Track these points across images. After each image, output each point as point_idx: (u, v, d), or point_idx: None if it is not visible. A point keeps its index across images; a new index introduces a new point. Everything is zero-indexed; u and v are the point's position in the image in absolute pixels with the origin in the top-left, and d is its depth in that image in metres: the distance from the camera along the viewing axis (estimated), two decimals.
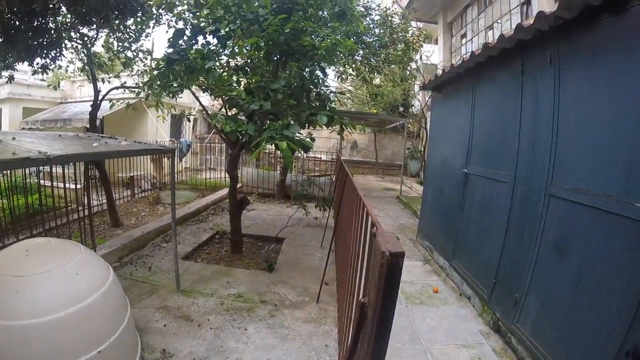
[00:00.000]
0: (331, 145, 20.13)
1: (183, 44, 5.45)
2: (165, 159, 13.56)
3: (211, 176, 14.54)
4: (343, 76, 12.42)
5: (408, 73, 17.21)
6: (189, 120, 8.18)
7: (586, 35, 3.48)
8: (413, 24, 15.14)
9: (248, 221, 9.06)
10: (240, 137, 5.61)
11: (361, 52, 11.26)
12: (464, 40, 14.37)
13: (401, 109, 19.10)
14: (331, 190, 9.68)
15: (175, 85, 6.07)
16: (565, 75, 3.77)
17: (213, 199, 11.30)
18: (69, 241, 4.15)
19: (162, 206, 10.77)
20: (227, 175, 8.93)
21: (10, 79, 8.40)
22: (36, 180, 9.20)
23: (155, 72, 6.21)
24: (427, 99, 16.33)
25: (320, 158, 15.90)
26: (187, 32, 5.54)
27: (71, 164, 8.41)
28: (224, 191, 11.75)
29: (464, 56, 6.00)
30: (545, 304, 3.78)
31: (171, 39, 5.44)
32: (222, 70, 5.98)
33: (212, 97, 6.73)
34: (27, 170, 8.25)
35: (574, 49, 3.67)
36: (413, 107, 19.96)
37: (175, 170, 5.76)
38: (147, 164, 12.83)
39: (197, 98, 7.62)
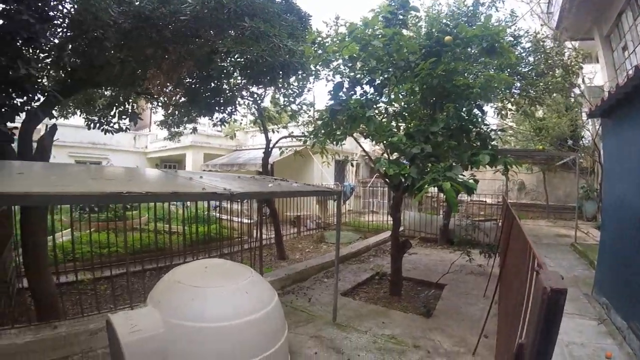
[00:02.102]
0: (496, 188, 18.75)
1: (343, 95, 5.88)
2: (330, 200, 14.29)
3: (373, 219, 14.81)
4: (502, 112, 11.58)
5: (572, 100, 15.32)
6: (352, 165, 8.68)
7: None
8: (568, 44, 13.62)
9: (409, 265, 8.95)
10: (403, 181, 5.72)
11: (518, 84, 10.47)
12: (626, 53, 12.24)
13: (570, 142, 16.80)
14: (497, 236, 9.02)
15: (338, 133, 6.48)
16: None
17: (375, 240, 11.50)
18: (242, 264, 4.78)
19: (325, 245, 11.32)
20: (389, 218, 9.06)
21: (194, 130, 10.07)
22: (214, 214, 10.60)
23: (320, 122, 6.74)
24: (597, 127, 14.31)
25: (485, 201, 14.98)
26: (346, 84, 5.95)
27: (246, 201, 9.51)
28: (386, 234, 11.87)
29: (629, 72, 5.11)
30: None
31: (332, 92, 5.92)
32: (381, 117, 6.22)
33: (374, 142, 7.00)
34: (206, 203, 9.73)
35: None
36: (583, 139, 17.51)
37: (341, 212, 6.12)
38: (313, 205, 13.72)
39: (359, 144, 8.02)
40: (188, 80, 7.48)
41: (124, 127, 8.28)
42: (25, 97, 4.79)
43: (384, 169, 5.10)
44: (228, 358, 3.60)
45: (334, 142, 7.08)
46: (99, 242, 8.18)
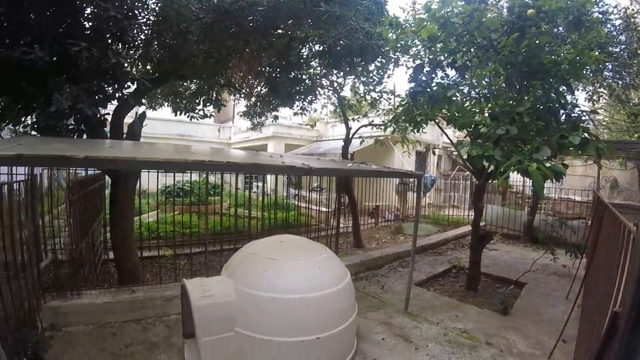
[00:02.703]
0: (587, 184, 17.19)
1: (423, 77, 5.72)
2: (410, 192, 14.06)
3: (454, 214, 14.37)
4: (594, 98, 10.48)
5: None
6: (434, 153, 8.45)
7: None
8: None
9: (488, 260, 8.58)
10: (486, 167, 5.48)
11: (609, 65, 9.48)
12: None
13: None
14: (585, 236, 8.33)
15: (419, 118, 6.34)
16: None
17: (454, 234, 11.17)
18: (317, 243, 4.88)
19: (403, 236, 11.18)
20: (469, 214, 8.73)
21: (275, 118, 10.32)
22: (293, 201, 10.85)
23: (400, 109, 6.63)
24: None
25: (574, 199, 13.82)
26: (426, 67, 5.79)
27: (325, 190, 9.64)
28: (466, 228, 11.52)
29: None
30: None
31: (412, 75, 5.77)
32: (463, 100, 5.99)
33: (456, 130, 6.74)
34: (287, 193, 10.03)
35: None
36: None
37: (421, 197, 6.03)
38: (392, 195, 13.54)
39: (441, 128, 7.76)
40: (268, 70, 7.70)
41: (209, 114, 8.72)
42: (116, 85, 5.17)
43: (467, 150, 4.88)
44: (295, 330, 3.68)
45: (415, 130, 6.94)
46: (182, 223, 8.79)
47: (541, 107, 4.99)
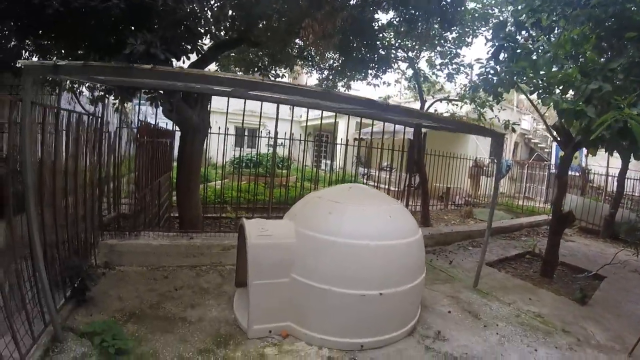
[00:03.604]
0: None
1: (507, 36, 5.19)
2: (483, 176, 13.30)
3: (527, 204, 13.43)
4: None
5: None
6: (513, 130, 7.80)
7: None
8: None
9: (565, 251, 7.84)
10: (573, 136, 4.86)
11: None
12: None
13: None
14: None
15: (501, 82, 5.78)
16: None
17: (528, 220, 10.40)
18: (389, 196, 4.62)
19: (473, 221, 10.57)
20: (545, 206, 8.01)
21: (348, 87, 9.95)
22: (362, 180, 10.56)
23: (480, 78, 6.09)
24: None
25: None
26: (509, 26, 5.24)
27: (394, 170, 9.28)
28: (541, 217, 10.82)
29: None
30: None
31: (492, 32, 5.25)
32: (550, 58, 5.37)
33: (539, 101, 6.08)
34: (356, 171, 9.81)
35: None
36: None
37: (500, 168, 5.61)
38: (464, 178, 12.85)
39: (524, 93, 7.06)
40: (341, 35, 7.45)
41: (280, 74, 8.86)
42: (190, 37, 5.14)
43: (556, 103, 4.30)
44: (357, 282, 3.37)
45: (495, 102, 6.41)
46: (248, 191, 8.79)
47: (638, 61, 4.31)
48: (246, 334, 3.58)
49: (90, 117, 4.59)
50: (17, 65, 5.04)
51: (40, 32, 4.81)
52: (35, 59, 5.45)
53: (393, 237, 3.51)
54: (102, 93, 5.68)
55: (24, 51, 5.65)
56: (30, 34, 4.98)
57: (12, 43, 5.46)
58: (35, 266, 3.11)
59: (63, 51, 5.21)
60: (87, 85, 6.79)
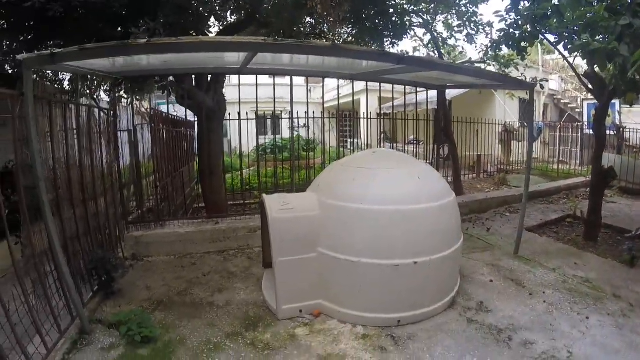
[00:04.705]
0: None
1: None
2: (514, 141, 12.80)
3: (562, 168, 12.78)
4: None
5: None
6: (542, 87, 7.41)
7: None
8: None
9: (607, 212, 7.35)
10: (607, 84, 4.46)
11: None
12: None
13: None
14: None
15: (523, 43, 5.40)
16: None
17: (566, 183, 9.91)
18: (415, 158, 4.41)
19: (507, 187, 10.19)
20: (581, 169, 7.55)
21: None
22: None
23: (501, 34, 5.71)
24: None
25: None
26: None
27: (421, 143, 8.97)
28: (579, 179, 10.28)
29: None
30: None
31: None
32: None
33: (566, 50, 5.65)
34: (383, 146, 9.55)
35: None
36: None
37: (533, 128, 5.27)
38: (495, 144, 12.39)
39: (550, 43, 6.64)
40: (351, 5, 7.18)
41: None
42: (196, 21, 5.02)
43: (585, 46, 3.92)
44: (388, 251, 3.13)
45: (520, 57, 6.03)
46: (274, 176, 8.78)
47: None
48: (276, 315, 3.45)
49: (102, 111, 4.52)
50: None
51: (47, 37, 4.87)
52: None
53: (424, 200, 3.27)
54: (115, 87, 5.65)
55: None
56: (39, 41, 5.04)
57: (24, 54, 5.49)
58: (56, 261, 3.08)
59: None
60: (104, 88, 6.81)
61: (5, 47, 6.01)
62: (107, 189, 4.50)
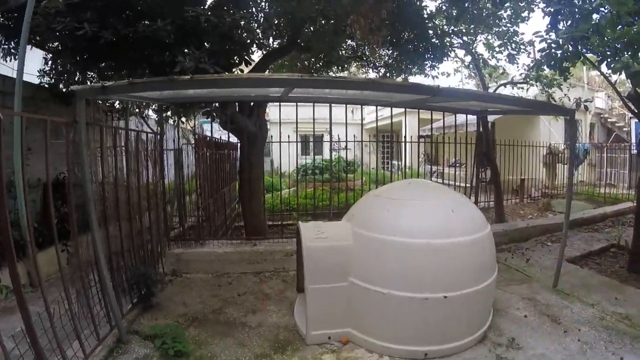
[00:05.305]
0: None
1: None
2: (559, 164, 12.41)
3: (610, 192, 12.25)
4: None
5: None
6: (585, 107, 7.17)
7: None
8: None
9: None
10: None
11: None
12: None
13: None
14: None
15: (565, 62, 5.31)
16: None
17: (613, 209, 9.50)
18: (452, 189, 4.44)
19: (552, 214, 9.90)
20: (630, 192, 7.18)
21: (406, 80, 9.66)
22: (433, 179, 10.27)
23: (542, 54, 5.65)
24: None
25: None
26: None
27: (464, 165, 8.89)
28: (627, 204, 9.80)
29: None
30: None
31: None
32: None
33: (609, 70, 5.50)
34: (423, 169, 9.45)
35: None
36: None
37: (575, 153, 5.14)
38: (539, 168, 12.07)
39: (592, 63, 6.47)
40: (389, 26, 7.30)
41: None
42: (238, 48, 5.24)
43: (626, 67, 3.82)
44: (418, 284, 3.15)
45: (562, 78, 5.94)
46: (313, 197, 8.84)
47: None
48: (305, 340, 3.52)
49: (150, 134, 4.80)
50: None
51: (99, 63, 5.25)
52: None
53: (457, 233, 3.26)
54: (161, 111, 5.95)
55: (88, 82, 6.10)
56: (91, 66, 5.43)
57: (77, 77, 5.93)
58: (100, 274, 3.34)
59: (125, 78, 5.51)
60: (153, 107, 7.17)
61: (59, 67, 6.50)
62: (152, 207, 4.76)
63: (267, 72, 7.50)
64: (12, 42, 6.22)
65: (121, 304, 3.76)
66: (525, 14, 8.24)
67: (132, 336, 3.60)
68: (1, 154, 2.26)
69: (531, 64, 8.30)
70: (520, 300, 4.51)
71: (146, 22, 4.37)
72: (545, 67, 6.11)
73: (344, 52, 8.41)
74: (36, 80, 6.84)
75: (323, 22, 6.57)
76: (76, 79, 6.19)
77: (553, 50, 5.32)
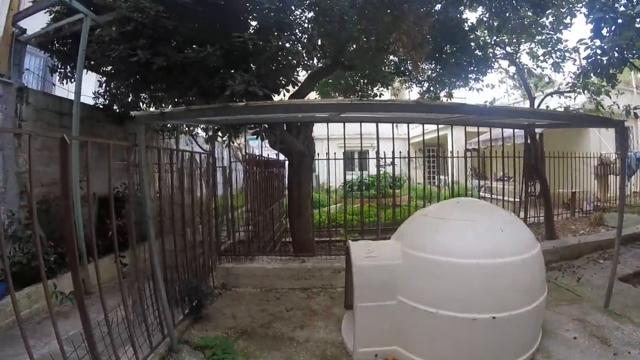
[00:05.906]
0: None
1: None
2: (612, 175, 11.88)
3: None
4: None
5: None
6: (636, 116, 6.85)
7: None
8: None
9: None
10: None
11: None
12: None
13: None
14: None
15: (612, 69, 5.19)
16: None
17: None
18: (501, 208, 4.37)
19: (604, 228, 9.48)
20: None
21: (450, 96, 9.60)
22: (480, 193, 10.09)
23: (588, 61, 5.53)
24: None
25: None
26: None
27: (511, 179, 8.74)
28: None
29: None
30: None
31: (587, 4, 4.71)
32: None
33: None
34: (471, 184, 9.30)
35: None
36: None
37: (625, 167, 4.99)
38: (589, 180, 11.60)
39: (639, 69, 6.28)
40: (431, 41, 7.33)
41: (378, 94, 9.00)
42: (285, 70, 5.44)
43: None
44: (466, 304, 3.15)
45: (610, 85, 5.79)
46: (360, 213, 8.93)
47: None
48: (352, 357, 3.59)
49: (202, 154, 5.06)
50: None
51: (151, 85, 5.53)
52: (152, 108, 6.25)
53: (506, 253, 3.25)
54: (213, 133, 6.23)
55: (141, 103, 6.50)
56: (143, 88, 5.77)
57: (130, 98, 6.32)
58: (156, 286, 3.55)
59: (176, 99, 5.85)
60: (201, 126, 7.51)
61: (113, 89, 6.95)
62: (204, 223, 5.00)
63: (312, 91, 7.70)
64: (67, 67, 6.73)
65: (173, 314, 3.93)
66: (567, 20, 8.11)
67: (182, 346, 3.77)
68: (69, 175, 2.49)
69: (577, 72, 8.10)
70: (570, 322, 4.38)
71: (195, 46, 4.62)
72: (591, 75, 5.98)
73: (386, 68, 8.50)
74: (91, 102, 7.35)
75: (365, 40, 6.69)
76: (129, 100, 6.62)
77: (599, 57, 5.23)
